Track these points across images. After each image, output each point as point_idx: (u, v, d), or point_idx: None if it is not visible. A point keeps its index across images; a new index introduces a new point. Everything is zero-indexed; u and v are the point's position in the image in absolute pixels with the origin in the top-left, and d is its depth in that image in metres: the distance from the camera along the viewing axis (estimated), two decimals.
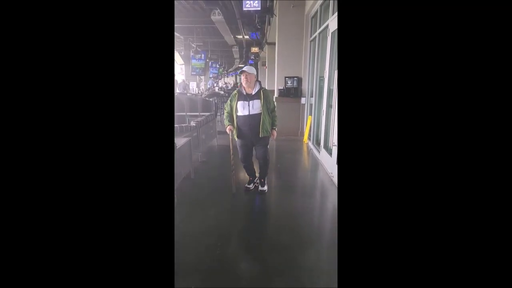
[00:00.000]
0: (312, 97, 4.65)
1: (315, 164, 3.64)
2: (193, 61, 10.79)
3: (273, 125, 2.53)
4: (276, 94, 5.23)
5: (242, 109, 2.40)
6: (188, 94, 6.42)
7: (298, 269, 1.56)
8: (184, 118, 5.21)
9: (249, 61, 13.65)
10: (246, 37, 8.47)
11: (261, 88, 2.44)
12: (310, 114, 4.71)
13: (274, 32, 5.97)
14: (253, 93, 2.40)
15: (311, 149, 4.34)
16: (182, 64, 11.81)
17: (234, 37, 8.92)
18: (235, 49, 11.65)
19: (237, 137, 2.49)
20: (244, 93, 2.41)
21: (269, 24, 6.75)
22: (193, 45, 10.34)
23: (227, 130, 2.50)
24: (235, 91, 2.49)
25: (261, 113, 2.40)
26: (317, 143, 4.14)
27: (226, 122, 2.53)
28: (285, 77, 5.09)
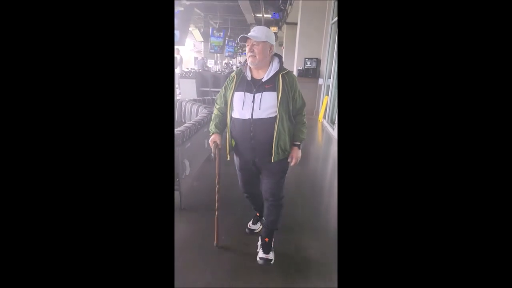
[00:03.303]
0: (329, 78, 4.93)
1: (329, 139, 4.04)
2: (212, 39, 10.94)
3: (296, 137, 1.39)
4: (295, 75, 5.53)
5: (241, 106, 1.32)
6: (211, 72, 6.77)
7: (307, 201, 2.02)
8: (208, 93, 5.62)
9: None
10: (266, 16, 8.57)
11: (280, 69, 1.33)
12: (327, 95, 5.01)
13: (296, 13, 6.12)
14: (265, 78, 1.31)
15: (325, 126, 4.70)
16: (201, 41, 11.99)
17: (254, 16, 9.02)
18: (253, 28, 11.68)
19: (234, 152, 1.45)
20: (249, 78, 1.34)
21: (291, 4, 6.85)
22: (211, 22, 10.47)
23: (210, 143, 1.44)
24: (233, 73, 1.40)
25: (275, 117, 1.29)
26: (332, 121, 4.49)
27: (212, 127, 1.44)
28: (305, 58, 5.34)
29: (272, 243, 1.53)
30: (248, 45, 1.30)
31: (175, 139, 1.85)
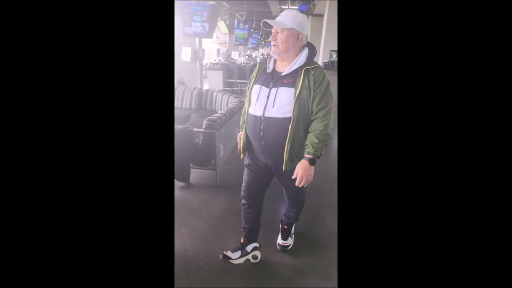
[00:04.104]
0: None
1: None
2: (237, 31, 11.07)
3: (306, 148, 1.15)
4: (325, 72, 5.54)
5: (255, 101, 1.20)
6: (237, 64, 6.96)
7: None
8: (234, 84, 5.83)
9: None
10: (292, 7, 8.55)
11: (307, 63, 1.15)
12: None
13: (323, 4, 6.08)
14: (286, 72, 1.16)
15: None
16: (227, 33, 12.19)
17: (280, 8, 9.02)
18: (282, 12, 11.66)
19: (244, 150, 1.32)
20: (269, 70, 1.20)
21: None
22: (237, 14, 10.61)
23: (238, 139, 1.37)
24: (258, 63, 1.29)
25: (290, 118, 1.13)
26: None
27: (241, 122, 1.35)
28: (331, 51, 5.35)
29: (292, 229, 1.59)
30: (273, 31, 1.15)
31: (213, 124, 2.06)
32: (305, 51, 1.18)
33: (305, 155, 1.16)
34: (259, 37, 14.48)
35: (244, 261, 1.41)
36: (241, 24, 10.35)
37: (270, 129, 1.17)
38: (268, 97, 1.16)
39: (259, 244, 1.46)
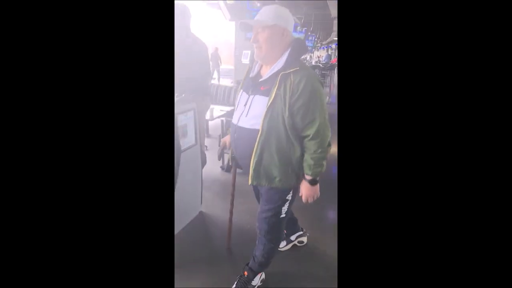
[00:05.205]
0: None
1: None
2: (293, 34, 11.15)
3: (304, 168, 1.05)
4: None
5: (236, 107, 1.14)
6: None
7: None
8: None
9: None
10: None
11: (286, 66, 0.99)
12: None
13: None
14: (265, 76, 1.04)
15: None
16: None
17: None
18: (336, 22, 11.46)
19: (233, 158, 1.27)
20: (251, 74, 1.12)
21: None
22: (295, 17, 10.81)
23: (221, 142, 1.33)
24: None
25: (258, 130, 1.02)
26: None
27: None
28: None
29: (254, 282, 1.26)
30: (254, 32, 1.01)
31: None
32: (287, 52, 1.02)
33: (305, 176, 1.06)
34: (315, 39, 14.39)
35: (291, 247, 1.61)
36: (298, 27, 10.49)
37: (240, 139, 1.09)
38: (245, 105, 1.06)
39: (303, 230, 1.62)
